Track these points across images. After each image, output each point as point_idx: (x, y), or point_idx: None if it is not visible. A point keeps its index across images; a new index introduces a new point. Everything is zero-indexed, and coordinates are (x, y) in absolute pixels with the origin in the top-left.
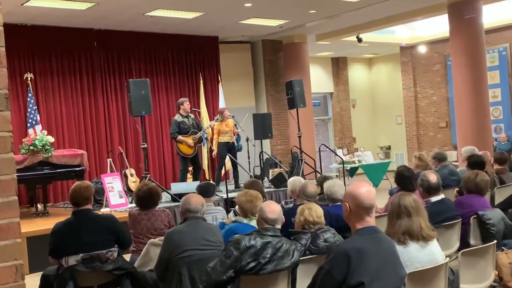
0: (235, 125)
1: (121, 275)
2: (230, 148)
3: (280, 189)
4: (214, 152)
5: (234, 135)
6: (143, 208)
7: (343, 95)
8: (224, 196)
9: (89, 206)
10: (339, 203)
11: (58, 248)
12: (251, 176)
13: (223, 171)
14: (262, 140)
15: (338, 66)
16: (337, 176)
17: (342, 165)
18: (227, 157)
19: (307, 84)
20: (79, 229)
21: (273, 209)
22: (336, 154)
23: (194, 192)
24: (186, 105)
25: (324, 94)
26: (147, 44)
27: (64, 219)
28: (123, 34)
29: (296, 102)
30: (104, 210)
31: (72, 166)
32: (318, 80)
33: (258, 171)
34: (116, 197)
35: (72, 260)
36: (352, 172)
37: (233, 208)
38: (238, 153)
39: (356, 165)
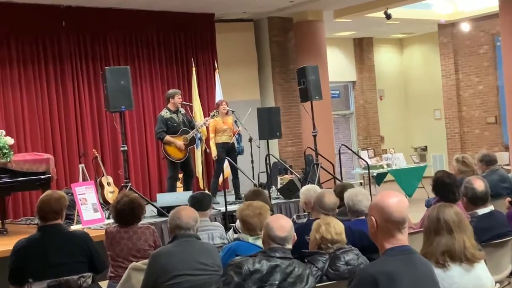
0: (235, 122)
1: None
2: (229, 151)
3: (291, 200)
4: (214, 155)
5: (234, 134)
6: (123, 224)
7: (368, 84)
8: (223, 209)
9: (59, 221)
10: (364, 217)
11: (19, 272)
12: (255, 185)
13: (220, 179)
14: (269, 141)
15: (362, 48)
16: (361, 184)
17: (367, 171)
18: (226, 162)
19: (324, 71)
20: (45, 248)
21: (282, 225)
22: (359, 157)
23: (186, 205)
24: (178, 98)
25: (345, 84)
26: (128, 24)
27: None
28: (98, 12)
29: (311, 93)
30: (75, 227)
31: (35, 174)
32: (338, 66)
33: (263, 179)
34: (90, 211)
35: None
36: (380, 179)
37: (233, 224)
38: (239, 157)
39: (385, 170)
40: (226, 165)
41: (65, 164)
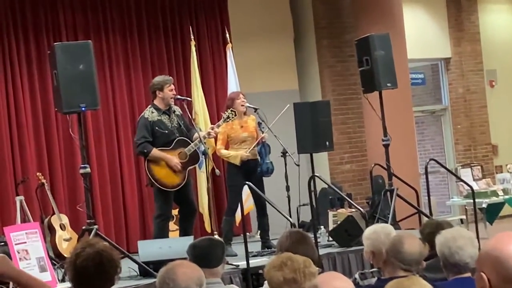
0: (259, 124)
1: None
2: (250, 171)
3: (351, 249)
4: (217, 171)
5: (257, 144)
6: None
7: (471, 63)
8: (242, 264)
9: None
10: (468, 275)
11: None
12: (293, 225)
13: (237, 216)
14: (314, 155)
15: (460, 8)
16: (462, 221)
17: (471, 200)
18: (246, 189)
19: (400, 43)
20: None
21: None
22: (458, 179)
23: (185, 258)
24: (168, 90)
25: (434, 62)
26: None
27: None
28: None
29: (379, 79)
30: None
31: None
32: (421, 35)
33: (306, 215)
34: (34, 271)
35: None
36: (493, 213)
37: None
38: (267, 180)
39: (500, 199)
40: (246, 194)
41: None
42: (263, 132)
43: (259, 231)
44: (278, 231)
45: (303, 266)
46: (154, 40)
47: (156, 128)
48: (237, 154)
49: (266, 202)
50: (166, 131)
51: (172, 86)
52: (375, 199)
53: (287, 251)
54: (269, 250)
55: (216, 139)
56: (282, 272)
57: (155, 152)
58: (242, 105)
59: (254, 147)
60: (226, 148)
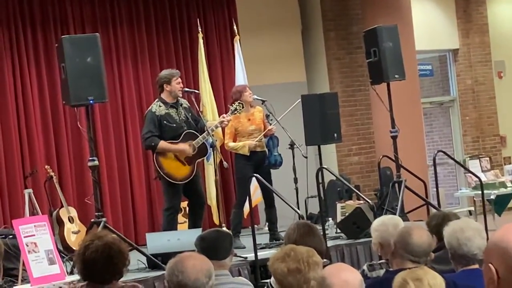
0: (267, 116)
1: None
2: (259, 164)
3: (359, 240)
4: (225, 164)
5: (264, 136)
6: (95, 282)
7: (480, 54)
8: (251, 256)
9: None
10: (476, 266)
11: None
12: (300, 217)
13: (245, 209)
14: (322, 147)
15: None
16: (470, 213)
17: (479, 191)
18: (254, 182)
19: (408, 34)
20: None
21: (347, 281)
22: (467, 170)
23: (193, 251)
24: (176, 83)
25: (442, 53)
26: None
27: None
28: None
29: (387, 70)
30: None
31: None
32: (429, 26)
33: (314, 207)
34: (43, 263)
35: None
36: (501, 204)
37: (267, 281)
38: (275, 172)
39: (509, 190)
40: (254, 187)
41: (2, 190)
42: (271, 124)
43: (267, 223)
44: (286, 223)
45: (307, 255)
46: (161, 32)
47: (164, 122)
48: (244, 144)
49: (274, 194)
50: (174, 125)
51: (180, 79)
52: (383, 190)
53: (294, 243)
54: (277, 242)
55: (224, 132)
56: (286, 263)
57: (163, 144)
58: (250, 97)
59: (261, 138)
60: (234, 141)
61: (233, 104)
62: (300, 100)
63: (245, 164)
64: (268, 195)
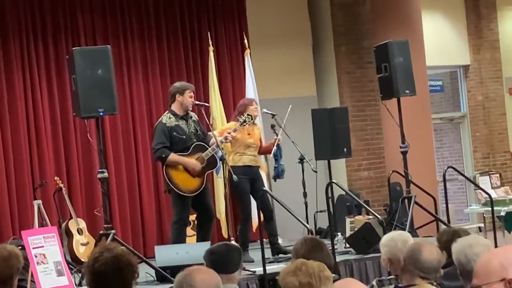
0: (273, 127)
1: None
2: (253, 178)
3: (368, 256)
4: (235, 177)
5: (270, 149)
6: None
7: (490, 70)
8: (259, 270)
9: None
10: None
11: None
12: (309, 232)
13: (255, 222)
14: (331, 161)
15: (479, 14)
16: (480, 229)
17: (489, 208)
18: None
19: (418, 50)
20: None
21: None
22: (477, 187)
23: (202, 264)
24: (188, 96)
25: (453, 69)
26: None
27: None
28: None
29: (397, 85)
30: None
31: None
32: (440, 42)
33: (323, 221)
34: (52, 275)
35: None
36: (511, 221)
37: None
38: (284, 185)
39: None
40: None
41: (11, 201)
42: (277, 135)
43: (268, 238)
44: (295, 237)
45: (318, 270)
46: (172, 45)
47: (174, 133)
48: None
49: (279, 209)
50: (184, 137)
51: (192, 94)
52: (393, 206)
53: (303, 257)
54: (286, 256)
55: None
56: (297, 277)
57: (173, 156)
58: (255, 111)
59: (272, 151)
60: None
61: (242, 116)
62: (291, 106)
63: (242, 178)
64: (267, 209)
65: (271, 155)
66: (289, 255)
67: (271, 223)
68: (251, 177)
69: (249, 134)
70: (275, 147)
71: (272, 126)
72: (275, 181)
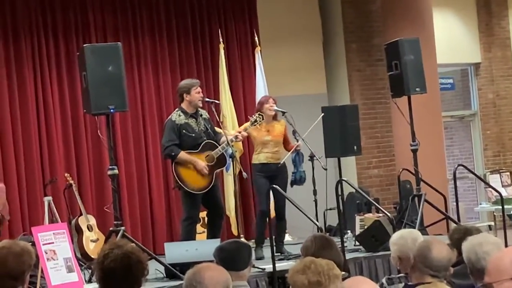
0: (294, 133)
1: None
2: (272, 175)
3: (378, 254)
4: (245, 175)
5: (290, 150)
6: None
7: (501, 68)
8: (268, 268)
9: None
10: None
11: None
12: (319, 229)
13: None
14: (341, 159)
15: (490, 12)
16: (490, 228)
17: (499, 206)
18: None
19: (429, 48)
20: None
21: None
22: (487, 185)
23: (211, 261)
24: (196, 93)
25: (463, 67)
26: None
27: None
28: None
29: (408, 83)
30: None
31: None
32: (451, 39)
33: (333, 219)
34: (61, 271)
35: None
36: None
37: None
38: (298, 188)
39: None
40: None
41: (21, 197)
42: (297, 141)
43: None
44: (305, 235)
45: (327, 268)
46: (183, 42)
47: (184, 131)
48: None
49: (291, 206)
50: (193, 134)
51: (199, 89)
52: (403, 204)
53: (312, 255)
54: (283, 253)
55: (249, 140)
56: (306, 275)
57: (183, 155)
58: (271, 109)
59: (290, 153)
60: (251, 149)
61: (254, 115)
62: (323, 114)
63: (258, 175)
64: (280, 208)
65: (288, 157)
66: (286, 254)
67: (282, 222)
68: (269, 174)
69: (268, 131)
70: (294, 154)
71: (294, 132)
72: (292, 186)
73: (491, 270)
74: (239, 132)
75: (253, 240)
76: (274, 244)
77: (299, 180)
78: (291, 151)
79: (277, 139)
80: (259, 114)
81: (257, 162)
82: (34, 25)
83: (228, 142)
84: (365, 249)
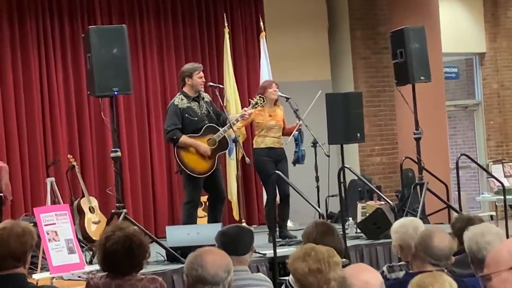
0: (296, 112)
1: None
2: (277, 159)
3: (379, 241)
4: (247, 160)
5: (291, 131)
6: (115, 273)
7: (506, 58)
8: (269, 253)
9: (21, 270)
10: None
11: None
12: (321, 216)
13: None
14: (344, 146)
15: (496, 3)
16: (491, 218)
17: (501, 196)
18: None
19: (434, 36)
20: None
21: (367, 282)
22: (489, 175)
23: (213, 245)
24: (197, 77)
25: (468, 57)
26: None
27: None
28: None
29: (413, 71)
30: (40, 277)
31: None
32: (456, 29)
33: (334, 206)
34: (63, 252)
35: None
36: None
37: (285, 278)
38: (297, 170)
39: None
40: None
41: (24, 178)
42: (299, 120)
43: (279, 221)
44: (306, 221)
45: (327, 256)
46: (188, 25)
47: (186, 115)
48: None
49: (294, 192)
50: (196, 118)
51: (201, 73)
52: (405, 192)
53: (314, 242)
54: (287, 239)
55: (252, 125)
56: (306, 262)
57: (185, 138)
58: (274, 94)
59: (292, 134)
60: (253, 134)
61: (254, 98)
62: (320, 92)
63: (264, 159)
64: (284, 192)
65: (291, 138)
66: (290, 239)
67: (285, 207)
68: (274, 159)
69: (270, 116)
70: (296, 132)
71: (295, 111)
72: (294, 165)
73: (489, 262)
74: (244, 111)
75: (254, 225)
76: (279, 230)
77: (301, 159)
78: (294, 129)
79: (280, 124)
80: (259, 97)
81: (264, 146)
82: (39, 6)
83: (230, 125)
84: (366, 237)
